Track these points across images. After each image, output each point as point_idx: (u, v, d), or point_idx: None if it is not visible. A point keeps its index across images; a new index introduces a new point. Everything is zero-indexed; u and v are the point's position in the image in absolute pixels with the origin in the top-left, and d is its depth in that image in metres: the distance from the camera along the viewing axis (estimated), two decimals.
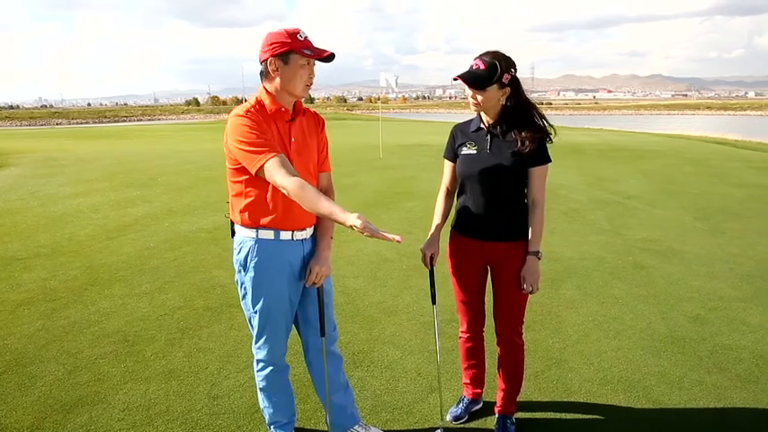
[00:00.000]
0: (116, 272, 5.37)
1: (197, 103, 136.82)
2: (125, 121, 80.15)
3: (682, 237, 6.68)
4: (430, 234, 2.72)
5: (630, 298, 4.66)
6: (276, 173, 2.07)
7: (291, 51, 2.19)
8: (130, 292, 4.83)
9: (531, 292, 2.57)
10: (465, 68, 2.48)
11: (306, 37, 2.21)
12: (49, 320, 4.22)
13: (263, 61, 2.23)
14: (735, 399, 3.14)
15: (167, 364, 3.54)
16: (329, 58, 2.24)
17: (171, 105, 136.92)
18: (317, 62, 2.29)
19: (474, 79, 2.41)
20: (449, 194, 2.78)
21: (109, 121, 78.07)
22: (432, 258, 2.69)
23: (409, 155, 15.91)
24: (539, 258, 2.55)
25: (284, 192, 2.07)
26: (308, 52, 2.20)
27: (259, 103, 2.28)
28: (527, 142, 2.46)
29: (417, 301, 4.63)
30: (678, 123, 55.40)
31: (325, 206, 1.99)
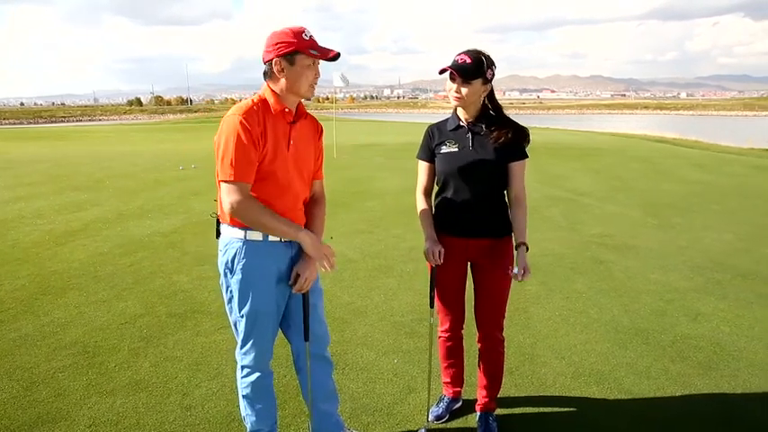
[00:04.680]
0: (68, 279, 5.10)
1: (140, 103, 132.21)
2: (63, 121, 76.68)
3: (634, 231, 6.93)
4: (427, 233, 2.65)
5: (593, 292, 4.79)
6: (233, 195, 2.11)
7: (297, 52, 2.14)
8: (86, 300, 4.60)
9: (518, 279, 2.54)
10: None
11: (311, 36, 2.16)
12: None
13: (268, 61, 2.17)
14: (699, 385, 3.27)
15: (133, 374, 3.38)
16: (335, 57, 2.19)
17: (112, 105, 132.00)
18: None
19: (463, 71, 2.42)
20: (427, 195, 2.75)
21: (45, 122, 74.56)
22: (440, 254, 2.58)
23: (363, 154, 15.90)
24: (527, 249, 2.56)
25: (229, 207, 2.13)
26: (315, 52, 2.15)
27: (263, 101, 2.21)
28: (507, 138, 2.52)
29: (386, 302, 4.60)
30: (619, 122, 57.68)
31: (270, 222, 2.17)
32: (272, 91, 2.22)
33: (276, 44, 2.14)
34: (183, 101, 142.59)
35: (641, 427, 2.88)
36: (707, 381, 3.33)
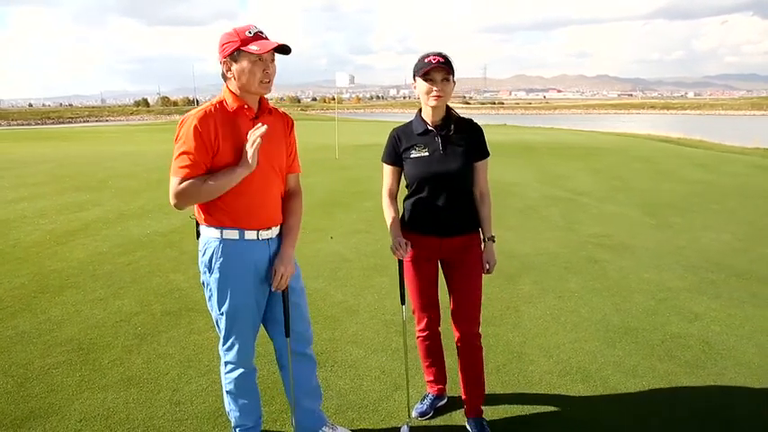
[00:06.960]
0: (67, 278, 5.17)
1: (146, 103, 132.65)
2: (70, 122, 77.06)
3: (632, 231, 6.94)
4: (393, 231, 2.72)
5: (586, 291, 4.81)
6: (171, 188, 2.17)
7: (239, 50, 2.19)
8: (83, 298, 4.66)
9: (490, 272, 2.76)
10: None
11: (256, 32, 2.19)
12: None
13: (221, 64, 2.24)
14: (685, 384, 3.29)
15: (125, 371, 3.44)
16: (283, 50, 2.23)
17: (119, 106, 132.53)
18: (277, 57, 2.29)
19: (449, 67, 2.48)
20: (393, 198, 2.81)
21: (53, 123, 75.02)
22: (406, 245, 2.63)
23: (365, 155, 15.91)
24: (494, 242, 2.75)
25: (171, 200, 2.20)
26: (254, 48, 2.17)
27: (220, 102, 2.26)
28: (472, 139, 2.64)
29: (379, 300, 4.64)
30: (625, 122, 57.39)
31: (213, 183, 2.16)
32: (230, 91, 2.27)
33: (222, 45, 2.21)
34: (189, 101, 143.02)
35: (625, 425, 2.90)
36: (693, 379, 3.35)
